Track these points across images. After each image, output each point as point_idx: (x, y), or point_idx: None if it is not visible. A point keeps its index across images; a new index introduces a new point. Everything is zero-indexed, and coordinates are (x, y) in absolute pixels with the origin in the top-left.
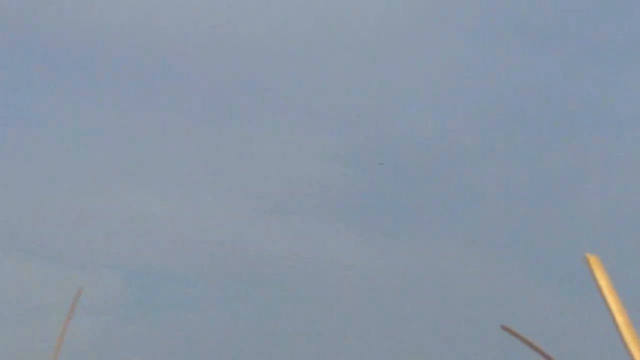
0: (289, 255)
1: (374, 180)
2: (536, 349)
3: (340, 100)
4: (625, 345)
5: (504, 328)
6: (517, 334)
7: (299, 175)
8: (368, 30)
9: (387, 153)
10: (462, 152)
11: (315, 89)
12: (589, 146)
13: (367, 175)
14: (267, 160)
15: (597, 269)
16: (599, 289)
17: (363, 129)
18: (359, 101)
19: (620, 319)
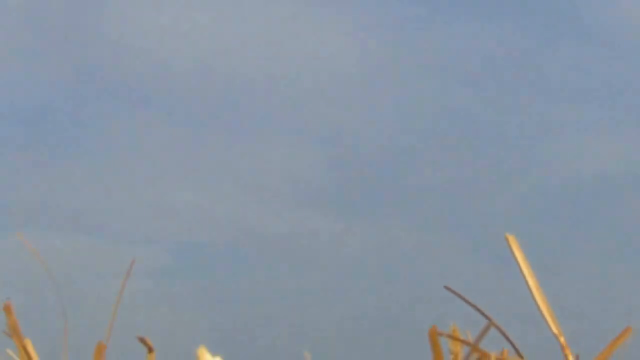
0: (285, 233)
1: (349, 179)
2: (474, 306)
3: (321, 119)
4: (538, 308)
5: (447, 288)
6: (457, 293)
7: (293, 174)
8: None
9: (358, 158)
10: (413, 154)
11: (306, 114)
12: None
13: (342, 174)
14: (269, 162)
15: (514, 245)
16: (516, 262)
17: (340, 141)
18: (335, 121)
19: (533, 283)
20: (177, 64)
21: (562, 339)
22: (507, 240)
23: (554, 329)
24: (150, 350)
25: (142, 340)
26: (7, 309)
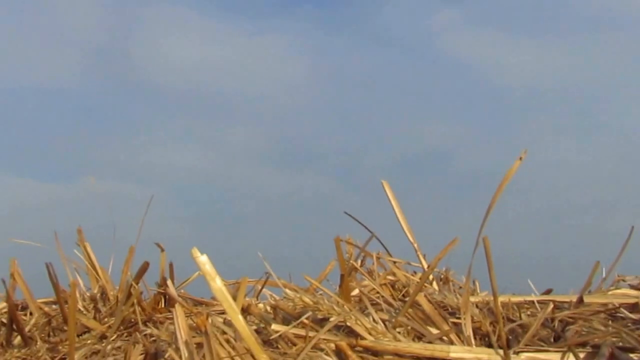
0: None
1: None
2: (362, 224)
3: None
4: (402, 227)
5: (346, 213)
6: (352, 216)
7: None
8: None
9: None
10: None
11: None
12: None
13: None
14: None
15: (388, 189)
16: (388, 199)
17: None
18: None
19: (399, 212)
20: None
21: (415, 245)
22: (383, 185)
23: (411, 239)
24: (162, 250)
25: (158, 245)
26: (79, 231)
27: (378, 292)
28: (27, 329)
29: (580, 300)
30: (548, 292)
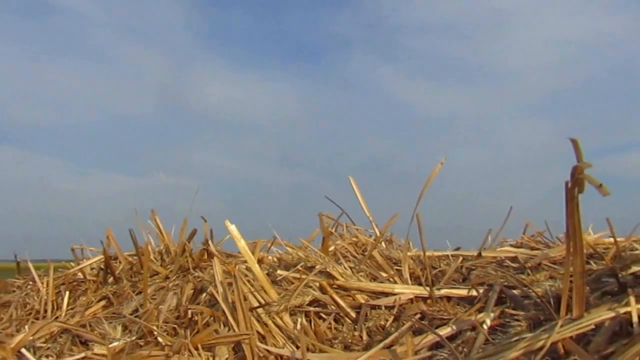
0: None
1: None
2: (336, 204)
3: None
4: (364, 210)
5: (327, 197)
6: (332, 200)
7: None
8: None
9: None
10: None
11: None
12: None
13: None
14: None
15: (353, 182)
16: (353, 190)
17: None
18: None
19: (362, 202)
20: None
21: (371, 218)
22: (349, 180)
23: (368, 214)
24: (205, 221)
25: (202, 217)
26: (152, 211)
27: (347, 249)
28: (116, 272)
29: (479, 254)
30: (458, 249)
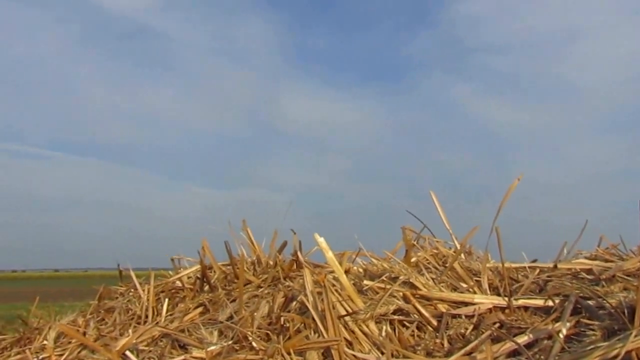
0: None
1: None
2: (420, 220)
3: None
4: (444, 224)
5: (408, 211)
6: (413, 215)
7: None
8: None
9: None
10: None
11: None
12: None
13: None
14: None
15: (434, 196)
16: (435, 206)
17: None
18: None
19: (442, 215)
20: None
21: (450, 231)
22: (431, 195)
23: (448, 227)
24: (294, 233)
25: (292, 230)
26: (243, 221)
27: (428, 261)
28: (212, 281)
29: (555, 266)
30: (534, 261)
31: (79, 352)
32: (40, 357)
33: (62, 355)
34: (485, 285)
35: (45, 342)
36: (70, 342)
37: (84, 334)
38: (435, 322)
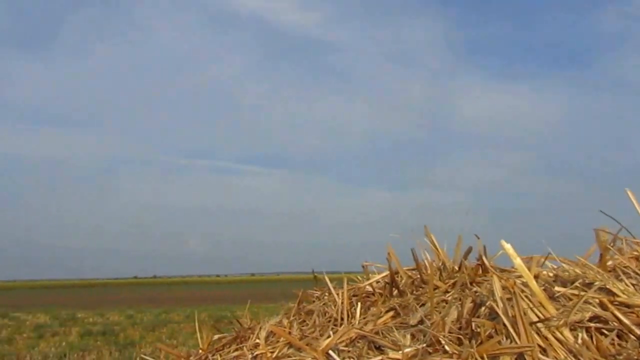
0: None
1: None
2: (617, 221)
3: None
4: None
5: (601, 211)
6: (608, 215)
7: None
8: None
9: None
10: None
11: None
12: None
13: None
14: None
15: (631, 195)
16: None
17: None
18: None
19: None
20: None
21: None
22: (627, 193)
23: None
24: (478, 238)
25: (476, 235)
26: (425, 227)
27: (627, 265)
28: (400, 286)
29: None
30: None
31: (288, 350)
32: (255, 353)
33: (273, 352)
34: None
35: (257, 340)
36: (278, 341)
37: (289, 333)
38: (638, 331)
